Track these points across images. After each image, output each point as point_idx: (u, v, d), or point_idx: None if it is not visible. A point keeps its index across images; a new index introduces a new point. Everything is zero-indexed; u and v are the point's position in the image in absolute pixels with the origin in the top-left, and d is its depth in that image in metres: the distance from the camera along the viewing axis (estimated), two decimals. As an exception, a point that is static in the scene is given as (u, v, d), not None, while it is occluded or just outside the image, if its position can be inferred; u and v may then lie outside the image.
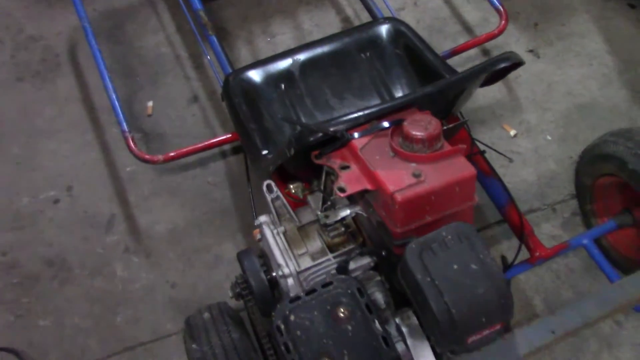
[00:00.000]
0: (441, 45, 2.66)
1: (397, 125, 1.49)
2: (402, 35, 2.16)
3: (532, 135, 2.46)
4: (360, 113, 1.52)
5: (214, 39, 2.33)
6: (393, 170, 1.39)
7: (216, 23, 2.73)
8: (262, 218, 1.64)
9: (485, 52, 2.66)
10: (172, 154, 2.14)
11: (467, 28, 2.72)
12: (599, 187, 2.08)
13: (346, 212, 1.53)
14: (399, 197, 1.35)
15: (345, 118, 1.52)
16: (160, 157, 2.13)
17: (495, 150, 2.26)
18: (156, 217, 2.31)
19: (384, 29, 2.19)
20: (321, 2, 2.79)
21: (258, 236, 1.69)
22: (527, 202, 2.32)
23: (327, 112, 2.10)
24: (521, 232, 1.95)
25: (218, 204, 2.33)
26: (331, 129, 1.49)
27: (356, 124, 1.52)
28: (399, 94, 2.13)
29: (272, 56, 2.26)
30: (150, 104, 2.54)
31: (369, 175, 1.42)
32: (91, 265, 2.23)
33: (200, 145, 2.19)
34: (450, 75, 1.93)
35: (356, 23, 2.72)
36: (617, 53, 2.63)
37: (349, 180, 1.43)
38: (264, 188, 1.62)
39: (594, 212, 2.15)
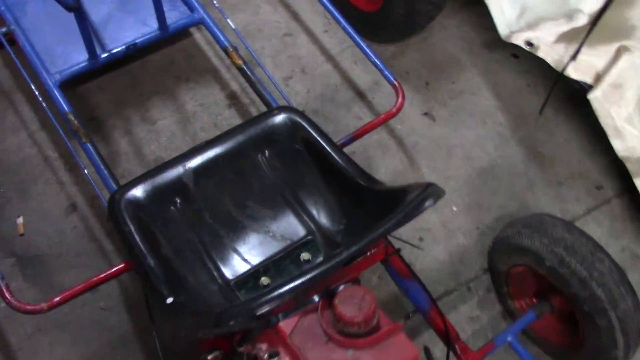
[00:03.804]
0: (336, 115, 2.54)
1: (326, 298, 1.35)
2: (299, 128, 2.00)
3: (439, 208, 2.41)
4: (285, 289, 1.35)
5: (89, 147, 2.05)
6: (329, 365, 1.25)
7: (86, 112, 2.44)
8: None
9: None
10: (56, 299, 1.84)
11: (359, 93, 2.61)
12: (515, 274, 2.06)
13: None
14: (340, 399, 1.22)
15: (267, 298, 1.35)
16: (44, 305, 1.83)
17: (407, 242, 2.17)
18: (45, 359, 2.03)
19: (279, 121, 2.01)
20: (202, 78, 2.56)
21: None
22: (441, 283, 2.27)
23: (231, 225, 1.91)
24: (447, 338, 1.89)
25: (116, 333, 2.09)
26: (257, 313, 1.31)
27: (280, 302, 1.36)
28: (303, 194, 1.98)
29: (159, 166, 2.01)
30: (20, 220, 2.22)
31: (305, 371, 1.28)
32: None
33: (90, 281, 1.90)
34: (360, 180, 1.83)
35: (243, 98, 2.53)
36: (508, 108, 2.63)
37: (282, 376, 1.28)
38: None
39: (510, 294, 2.13)
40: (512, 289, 2.12)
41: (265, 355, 1.31)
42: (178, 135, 2.43)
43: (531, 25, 2.21)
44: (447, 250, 2.32)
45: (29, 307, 1.82)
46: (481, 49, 2.76)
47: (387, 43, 2.73)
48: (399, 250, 2.01)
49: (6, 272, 2.12)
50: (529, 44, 2.22)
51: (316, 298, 1.35)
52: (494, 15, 2.30)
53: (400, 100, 2.29)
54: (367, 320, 1.28)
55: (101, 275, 1.95)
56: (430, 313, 1.94)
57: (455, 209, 2.41)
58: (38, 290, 2.12)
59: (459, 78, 2.68)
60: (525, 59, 2.73)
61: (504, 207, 2.42)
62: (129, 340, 2.07)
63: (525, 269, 1.99)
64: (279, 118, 2.01)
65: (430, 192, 1.57)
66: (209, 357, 1.50)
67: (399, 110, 2.29)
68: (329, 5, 2.38)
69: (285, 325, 1.33)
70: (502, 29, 2.30)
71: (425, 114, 2.60)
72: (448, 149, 2.52)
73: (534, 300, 2.08)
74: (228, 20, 2.37)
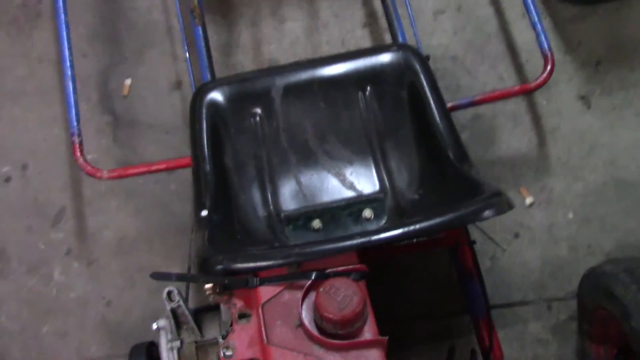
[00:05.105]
0: (476, 69, 2.22)
1: (317, 280, 1.19)
2: (413, 72, 1.75)
3: (552, 209, 2.07)
4: (278, 254, 1.22)
5: (199, 30, 1.98)
6: (288, 353, 1.11)
7: (221, -8, 2.35)
8: (161, 322, 1.40)
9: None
10: (116, 172, 1.87)
11: (513, 51, 2.25)
12: (599, 315, 1.74)
13: (251, 348, 1.27)
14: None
15: (258, 254, 1.23)
16: (105, 172, 1.87)
17: (488, 236, 1.90)
18: (107, 221, 2.10)
19: (393, 60, 1.78)
20: (348, -14, 2.34)
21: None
22: (520, 290, 1.99)
23: (305, 156, 1.77)
24: (488, 355, 1.67)
25: (176, 219, 2.10)
26: (235, 267, 1.20)
27: (272, 265, 1.22)
28: (391, 146, 1.76)
29: (253, 72, 1.91)
30: (128, 82, 2.25)
31: (262, 346, 1.15)
32: (30, 261, 2.07)
33: (151, 167, 1.90)
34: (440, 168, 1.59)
35: (382, 21, 2.28)
36: (688, 121, 2.14)
37: (241, 341, 1.16)
38: (164, 295, 1.37)
39: (590, 335, 1.82)
40: (593, 330, 1.80)
41: (236, 313, 1.20)
42: (301, 42, 2.27)
43: None
44: (542, 258, 2.01)
45: (89, 169, 1.86)
46: (686, 40, 2.23)
47: (572, 2, 2.28)
48: (474, 242, 1.78)
49: (100, 128, 2.21)
50: None
51: (313, 275, 1.20)
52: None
53: (545, 75, 1.94)
54: (345, 323, 1.11)
55: (166, 164, 1.94)
56: (480, 322, 1.72)
57: (571, 216, 2.06)
58: (122, 154, 2.17)
59: (640, 67, 2.21)
60: None
61: (632, 234, 2.03)
62: (185, 233, 2.05)
63: (611, 315, 1.66)
64: (395, 57, 1.77)
65: (495, 201, 1.32)
66: (207, 286, 1.43)
67: (539, 85, 1.95)
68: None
69: (264, 292, 1.20)
70: None
71: (582, 97, 2.18)
72: (592, 146, 2.12)
73: (615, 352, 1.76)
74: None
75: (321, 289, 1.14)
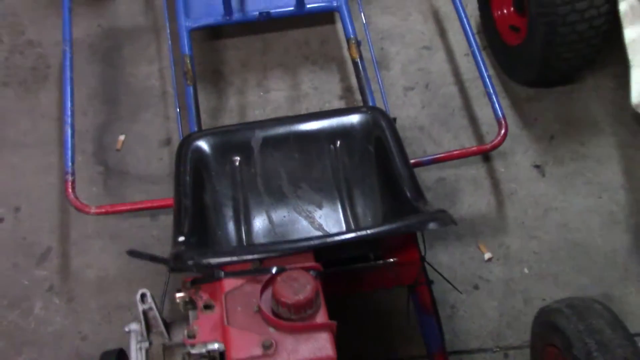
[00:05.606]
0: (441, 138, 2.44)
1: (276, 274, 1.32)
2: (379, 129, 1.95)
3: (509, 264, 2.20)
4: (243, 251, 1.36)
5: (190, 90, 2.21)
6: (246, 333, 1.22)
7: (214, 64, 2.61)
8: (132, 326, 1.50)
9: (486, 156, 2.41)
10: (104, 209, 2.03)
11: (474, 124, 2.48)
12: (548, 355, 1.83)
13: (214, 347, 1.37)
14: (237, 369, 1.19)
15: (225, 251, 1.37)
16: (93, 208, 2.02)
17: (447, 280, 2.02)
18: (90, 261, 2.22)
19: (362, 119, 1.98)
20: (327, 65, 2.61)
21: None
22: (478, 338, 2.08)
23: (279, 199, 1.93)
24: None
25: (156, 264, 2.21)
26: (204, 261, 1.33)
27: (238, 261, 1.36)
28: (358, 194, 1.94)
29: (236, 125, 2.12)
30: (121, 137, 2.45)
31: (222, 328, 1.26)
32: (12, 296, 2.17)
33: (135, 205, 2.07)
34: (403, 199, 1.75)
35: (357, 94, 2.52)
36: (634, 190, 2.33)
37: (204, 326, 1.28)
38: (137, 297, 1.48)
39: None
40: (544, 372, 1.88)
41: (202, 304, 1.31)
42: (283, 109, 2.50)
43: (665, 98, 1.94)
44: (500, 310, 2.12)
45: (79, 204, 2.01)
46: (630, 120, 2.47)
47: (528, 85, 2.55)
48: (431, 282, 1.90)
49: (92, 177, 2.38)
50: (660, 118, 1.95)
51: (274, 270, 1.33)
52: (633, 79, 2.05)
53: (500, 137, 2.16)
54: (298, 307, 1.23)
55: (150, 203, 2.10)
56: (436, 355, 1.81)
57: (527, 271, 2.19)
58: (110, 201, 2.31)
59: (589, 141, 2.43)
60: (677, 145, 2.40)
61: (583, 290, 2.15)
62: (162, 274, 2.17)
63: (558, 352, 1.76)
64: (364, 116, 1.98)
65: (439, 216, 1.47)
66: (178, 296, 1.54)
67: (494, 146, 2.16)
68: (468, 30, 2.30)
69: (228, 283, 1.32)
70: (635, 95, 2.04)
71: (537, 166, 2.39)
72: (546, 210, 2.30)
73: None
74: (362, 14, 2.39)
75: (279, 278, 1.26)
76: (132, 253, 1.37)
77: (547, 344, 1.81)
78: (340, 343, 1.38)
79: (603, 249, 2.22)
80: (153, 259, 1.44)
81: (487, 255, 2.21)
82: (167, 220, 2.29)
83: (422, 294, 1.88)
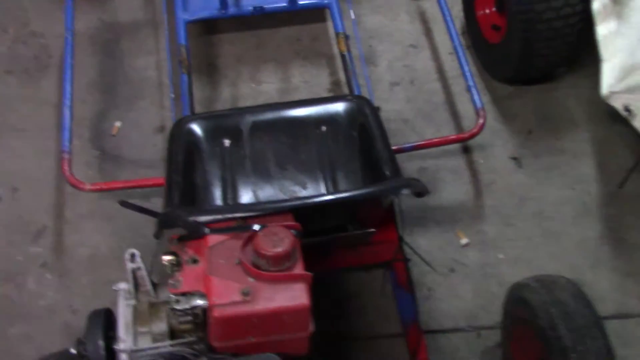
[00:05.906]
0: (423, 130, 2.55)
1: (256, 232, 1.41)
2: (363, 116, 2.06)
3: (485, 250, 2.30)
4: (228, 209, 1.46)
5: (185, 77, 2.32)
6: (226, 282, 1.32)
7: (209, 57, 2.72)
8: (121, 285, 1.59)
9: (466, 148, 2.51)
10: (98, 185, 2.13)
11: (457, 118, 2.59)
12: (517, 336, 1.92)
13: (197, 302, 1.46)
14: (216, 312, 1.28)
15: (210, 209, 1.47)
16: (88, 185, 2.12)
17: (422, 258, 2.11)
18: (83, 239, 2.32)
19: (347, 107, 2.10)
20: (317, 60, 2.72)
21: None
22: (452, 318, 2.17)
23: (266, 179, 2.03)
24: (414, 357, 1.83)
25: (147, 241, 2.29)
26: (190, 218, 1.43)
27: (221, 219, 1.45)
28: (341, 176, 2.04)
29: (227, 110, 2.23)
30: (117, 124, 2.55)
31: (205, 277, 1.36)
32: (7, 271, 2.25)
33: (129, 183, 2.17)
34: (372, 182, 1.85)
35: (345, 88, 2.63)
36: (606, 183, 2.43)
37: (188, 277, 1.37)
38: (126, 256, 1.58)
39: (510, 354, 1.98)
40: (512, 346, 1.97)
41: (187, 258, 1.41)
42: (274, 100, 2.60)
43: (632, 89, 2.04)
44: (474, 291, 2.22)
45: (74, 181, 2.11)
46: (605, 117, 2.57)
47: (509, 83, 2.66)
48: (408, 260, 2.00)
49: (88, 161, 2.48)
50: (627, 109, 2.05)
51: (257, 227, 1.42)
52: (603, 72, 2.16)
53: (477, 127, 2.26)
54: (277, 259, 1.32)
55: (143, 180, 2.20)
56: (410, 327, 1.90)
57: (501, 256, 2.29)
58: (105, 183, 2.41)
59: (565, 136, 2.54)
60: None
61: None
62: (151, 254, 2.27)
63: (526, 329, 1.85)
64: (349, 104, 2.09)
65: (413, 183, 1.57)
66: (165, 258, 1.63)
67: (473, 135, 2.27)
68: (453, 29, 2.42)
69: (212, 239, 1.42)
70: (604, 87, 2.15)
71: (515, 158, 2.49)
72: (522, 199, 2.40)
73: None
74: (351, 11, 2.51)
75: (260, 233, 1.36)
76: (124, 203, 1.47)
77: (516, 321, 1.90)
78: (319, 322, 1.47)
79: (575, 237, 2.32)
80: (143, 210, 1.54)
81: (463, 241, 2.31)
82: (159, 202, 2.37)
83: (399, 271, 1.98)
